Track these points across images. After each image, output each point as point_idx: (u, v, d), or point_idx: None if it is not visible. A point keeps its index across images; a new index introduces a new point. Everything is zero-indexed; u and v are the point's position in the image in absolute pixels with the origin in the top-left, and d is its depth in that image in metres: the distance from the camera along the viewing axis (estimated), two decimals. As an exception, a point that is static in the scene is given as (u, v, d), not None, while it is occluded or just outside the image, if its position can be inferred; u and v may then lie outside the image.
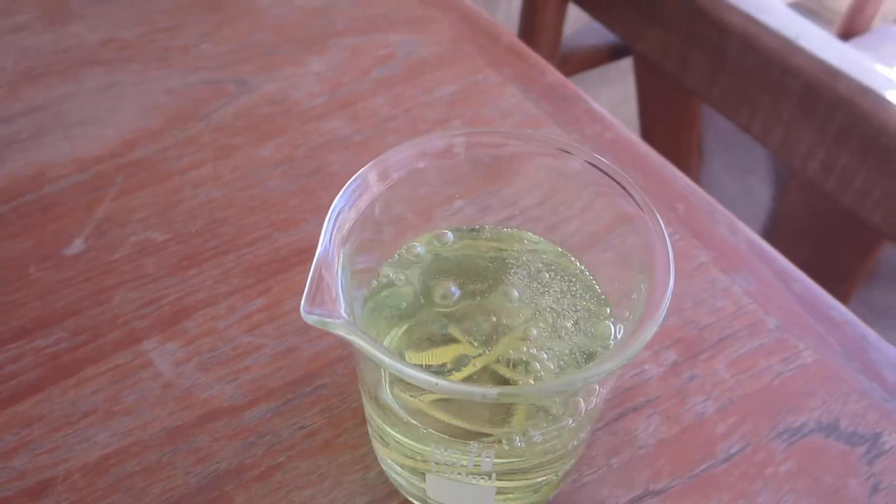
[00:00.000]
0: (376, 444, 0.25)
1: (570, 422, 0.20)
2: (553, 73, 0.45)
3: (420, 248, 0.24)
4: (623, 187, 0.21)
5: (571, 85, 0.45)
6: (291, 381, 0.30)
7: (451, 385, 0.17)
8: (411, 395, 0.20)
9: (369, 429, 0.26)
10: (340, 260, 0.20)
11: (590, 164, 0.22)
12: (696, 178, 0.36)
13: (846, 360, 0.31)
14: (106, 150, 0.39)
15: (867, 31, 1.10)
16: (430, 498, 0.24)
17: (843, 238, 0.74)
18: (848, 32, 1.08)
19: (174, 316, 0.32)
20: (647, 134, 0.88)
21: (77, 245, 0.35)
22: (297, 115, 0.42)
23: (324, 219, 0.36)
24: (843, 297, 0.33)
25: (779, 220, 0.84)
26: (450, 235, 0.24)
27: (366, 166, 0.22)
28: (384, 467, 0.26)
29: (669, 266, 0.20)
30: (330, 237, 0.19)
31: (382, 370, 0.20)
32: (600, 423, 0.29)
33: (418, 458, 0.22)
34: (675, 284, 0.33)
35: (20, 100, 0.43)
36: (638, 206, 0.21)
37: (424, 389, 0.19)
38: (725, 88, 0.70)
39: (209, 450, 0.28)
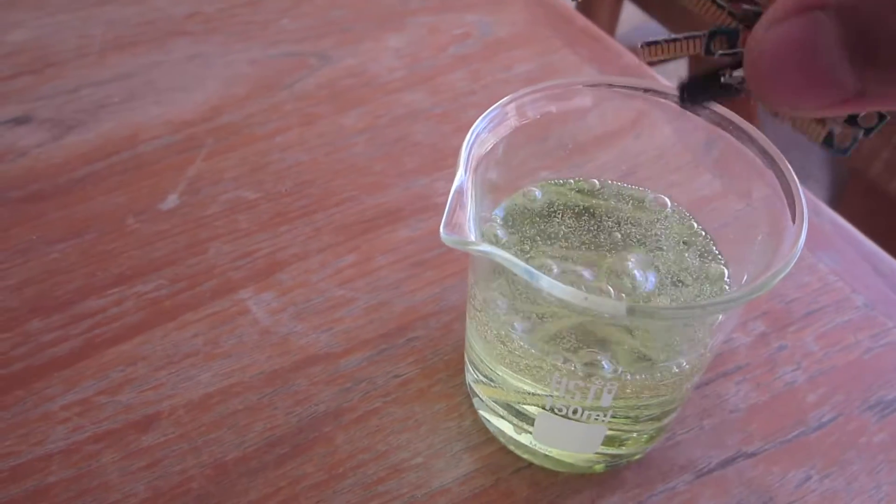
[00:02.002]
0: (480, 389, 0.26)
1: (692, 359, 0.21)
2: (629, 56, 0.46)
3: (538, 193, 0.24)
4: (754, 140, 0.22)
5: (649, 70, 0.46)
6: (384, 332, 0.30)
7: (593, 298, 0.17)
8: (539, 319, 0.21)
9: (469, 376, 0.27)
10: (473, 188, 0.20)
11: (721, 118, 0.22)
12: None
13: (936, 339, 0.31)
14: (195, 114, 0.41)
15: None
16: (533, 441, 0.24)
17: (901, 242, 0.73)
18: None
19: (268, 268, 0.33)
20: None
21: (171, 200, 0.36)
22: (377, 87, 0.43)
23: (410, 183, 0.37)
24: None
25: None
26: (547, 188, 0.25)
27: (504, 99, 0.22)
28: (483, 414, 0.26)
29: (804, 213, 0.20)
30: (467, 163, 0.20)
31: (513, 296, 0.21)
32: (690, 386, 0.29)
33: (535, 393, 0.22)
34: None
35: (110, 67, 0.44)
36: (771, 157, 0.21)
37: (552, 312, 0.20)
38: (786, 87, 0.69)
39: (307, 393, 0.28)
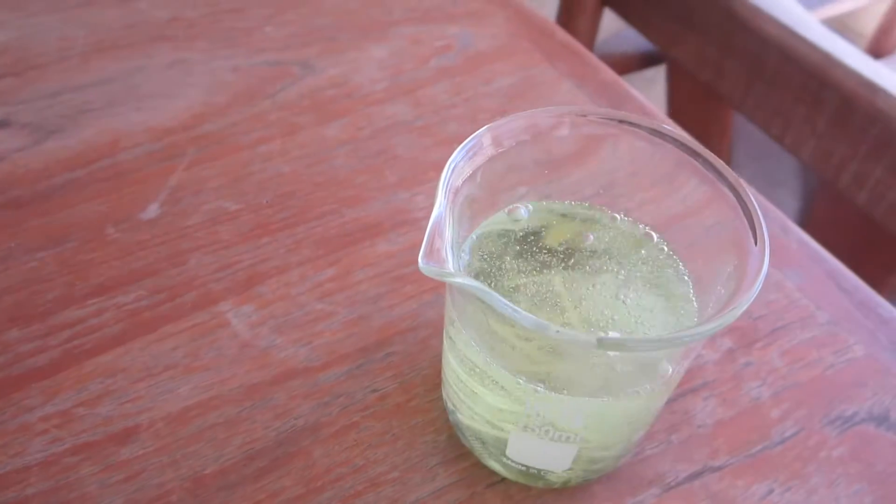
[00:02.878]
0: (454, 405, 0.26)
1: (657, 384, 0.21)
2: (607, 71, 0.47)
3: (517, 213, 0.25)
4: (714, 168, 0.23)
5: (624, 83, 0.47)
6: (363, 346, 0.31)
7: (564, 331, 0.18)
8: (512, 347, 0.22)
9: (446, 391, 0.27)
10: (451, 217, 0.21)
11: (685, 146, 0.23)
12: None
13: (895, 355, 0.32)
14: (177, 121, 0.41)
15: (893, 54, 1.11)
16: (506, 456, 0.25)
17: (870, 252, 0.75)
18: (874, 54, 1.09)
19: (248, 281, 0.33)
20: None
21: (152, 210, 0.36)
22: (359, 98, 0.43)
23: (390, 196, 0.37)
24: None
25: (806, 232, 0.85)
26: (527, 209, 0.25)
27: (481, 130, 0.23)
28: (459, 428, 0.27)
29: (765, 238, 0.21)
30: (445, 193, 0.20)
31: (487, 322, 0.21)
32: (660, 401, 0.30)
33: (508, 414, 0.23)
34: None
35: (92, 71, 0.44)
36: (729, 183, 0.22)
37: (528, 339, 0.20)
38: (760, 98, 0.71)
39: (286, 407, 0.29)
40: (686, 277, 0.24)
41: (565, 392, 0.21)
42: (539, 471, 0.25)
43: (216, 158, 0.39)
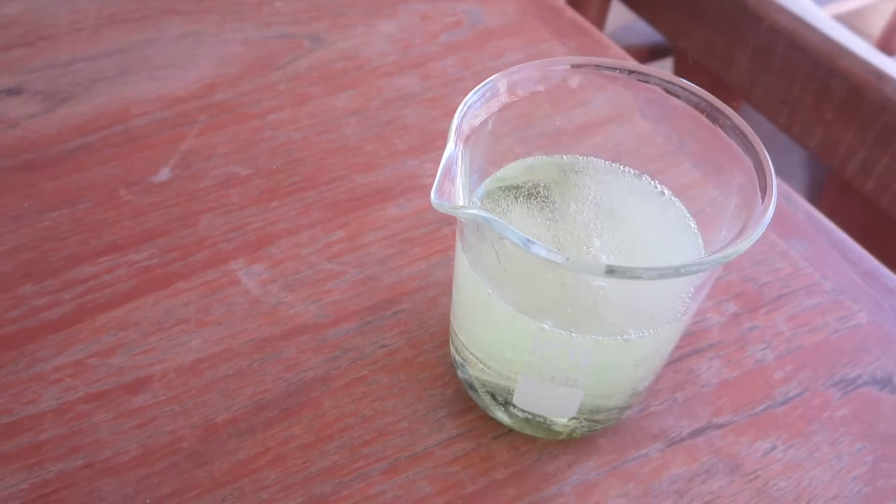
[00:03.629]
0: (463, 358, 0.27)
1: (666, 324, 0.22)
2: (616, 49, 0.47)
3: (527, 165, 0.25)
4: (732, 122, 0.23)
5: (635, 62, 0.47)
6: (371, 305, 0.31)
7: (576, 260, 0.18)
8: (521, 284, 0.22)
9: (454, 345, 0.28)
10: (463, 158, 0.21)
11: (702, 100, 0.23)
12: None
13: (899, 323, 0.32)
14: (188, 91, 0.41)
15: (902, 53, 1.10)
16: (514, 405, 0.25)
17: (877, 242, 0.75)
18: (883, 51, 1.09)
19: (259, 241, 0.33)
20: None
21: (164, 173, 0.37)
22: (369, 70, 0.43)
23: (400, 164, 0.38)
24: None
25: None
26: (537, 160, 0.26)
27: (495, 75, 0.23)
28: (466, 381, 0.27)
29: (773, 186, 0.21)
30: (456, 134, 0.21)
31: (497, 261, 0.21)
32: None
33: (513, 360, 0.23)
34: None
35: (104, 42, 0.44)
36: (735, 129, 0.23)
37: (534, 277, 0.21)
38: (768, 88, 0.71)
39: (296, 360, 0.29)
40: (692, 224, 0.25)
41: (573, 331, 0.21)
42: (545, 419, 0.25)
43: (227, 126, 0.39)
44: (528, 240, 0.19)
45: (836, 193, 0.79)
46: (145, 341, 0.30)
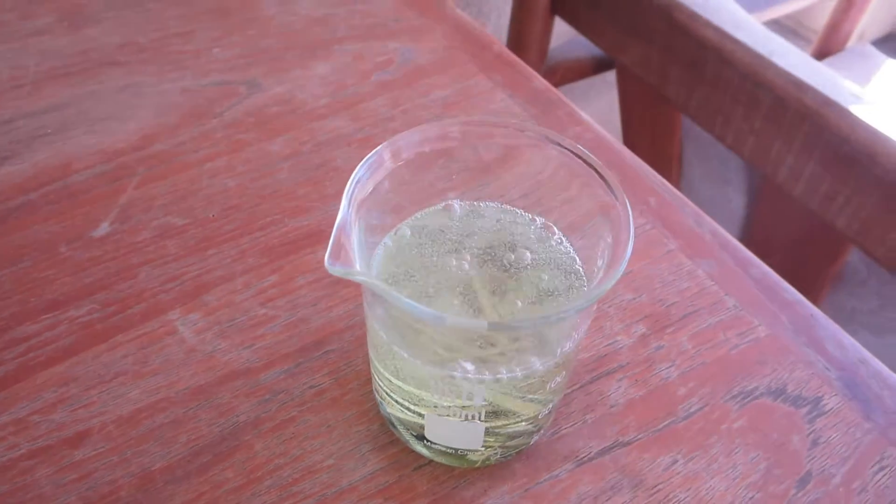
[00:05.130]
0: (381, 397, 0.29)
1: (549, 361, 0.24)
2: (539, 80, 0.50)
3: (426, 216, 0.27)
4: (599, 174, 0.25)
5: (555, 91, 0.49)
6: (302, 347, 0.33)
7: (451, 318, 0.20)
8: (415, 334, 0.24)
9: (374, 385, 0.30)
10: (357, 224, 0.23)
11: (573, 153, 0.26)
12: (675, 188, 0.40)
13: (795, 335, 0.35)
14: (127, 143, 0.43)
15: (843, 50, 1.15)
16: (427, 439, 0.27)
17: (813, 244, 0.79)
18: (824, 51, 1.13)
19: (195, 290, 0.35)
20: (630, 144, 0.93)
21: (103, 228, 0.38)
22: (303, 114, 0.45)
23: (330, 206, 0.40)
24: (814, 302, 0.36)
25: (753, 227, 0.89)
26: (456, 207, 0.28)
27: (381, 146, 0.26)
28: (387, 417, 0.29)
29: (630, 229, 0.23)
30: (349, 202, 0.23)
31: (392, 317, 0.24)
32: (576, 385, 0.32)
33: (419, 398, 0.25)
34: (645, 267, 0.37)
35: (45, 97, 0.46)
36: (606, 183, 0.25)
37: (425, 328, 0.23)
38: (702, 100, 0.74)
39: (229, 405, 0.31)
40: (577, 259, 0.27)
41: (465, 374, 0.23)
42: (458, 450, 0.27)
43: (165, 177, 0.41)
44: (409, 301, 0.21)
45: (772, 198, 0.83)
46: (86, 395, 0.31)
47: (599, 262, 0.25)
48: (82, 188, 0.40)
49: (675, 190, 0.42)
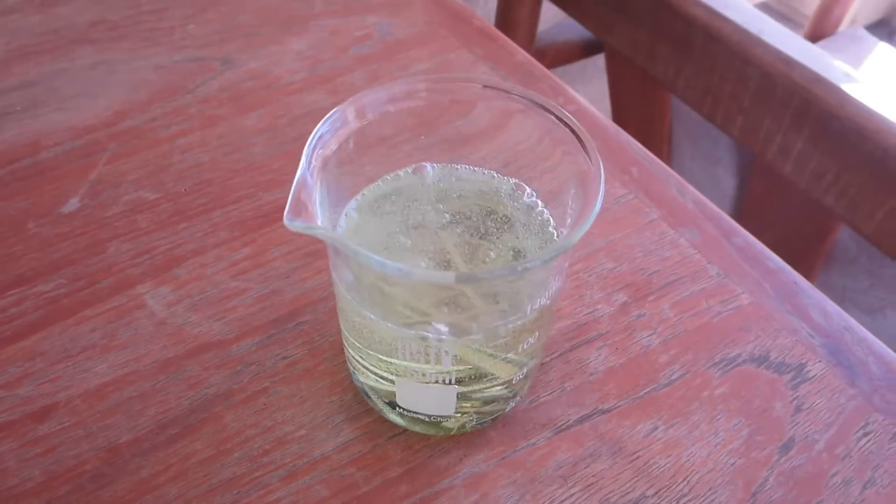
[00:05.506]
0: (352, 366, 0.28)
1: (519, 319, 0.23)
2: (521, 54, 0.49)
3: (393, 178, 0.27)
4: (548, 109, 0.24)
5: (538, 64, 0.49)
6: (275, 318, 0.32)
7: (415, 271, 0.20)
8: (382, 296, 0.23)
9: (346, 353, 0.29)
10: (321, 183, 0.22)
11: (542, 107, 0.25)
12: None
13: (779, 302, 0.34)
14: (98, 120, 0.42)
15: (834, 34, 1.14)
16: (400, 406, 0.27)
17: (803, 222, 0.78)
18: (815, 34, 1.12)
19: (166, 264, 0.34)
20: (620, 126, 0.92)
21: (73, 203, 0.37)
22: (278, 88, 0.44)
23: (304, 179, 0.39)
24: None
25: (743, 206, 0.88)
26: (428, 170, 0.27)
27: (343, 103, 0.25)
28: (360, 387, 0.29)
29: (600, 181, 0.23)
30: (309, 158, 0.22)
31: (358, 278, 0.23)
32: (555, 353, 0.32)
33: (388, 363, 0.25)
34: (626, 237, 0.36)
35: (14, 75, 0.45)
36: (564, 122, 0.24)
37: (393, 283, 0.22)
38: (690, 79, 0.73)
39: (199, 377, 0.30)
40: (552, 221, 0.26)
41: (432, 333, 0.23)
42: (431, 417, 0.27)
43: (136, 153, 0.40)
44: (373, 256, 0.20)
45: (762, 177, 0.82)
46: (52, 370, 0.30)
47: (569, 221, 0.24)
48: (51, 165, 0.39)
49: (657, 160, 0.41)
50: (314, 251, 0.35)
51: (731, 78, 0.69)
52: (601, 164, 0.24)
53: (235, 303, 0.33)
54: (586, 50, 1.03)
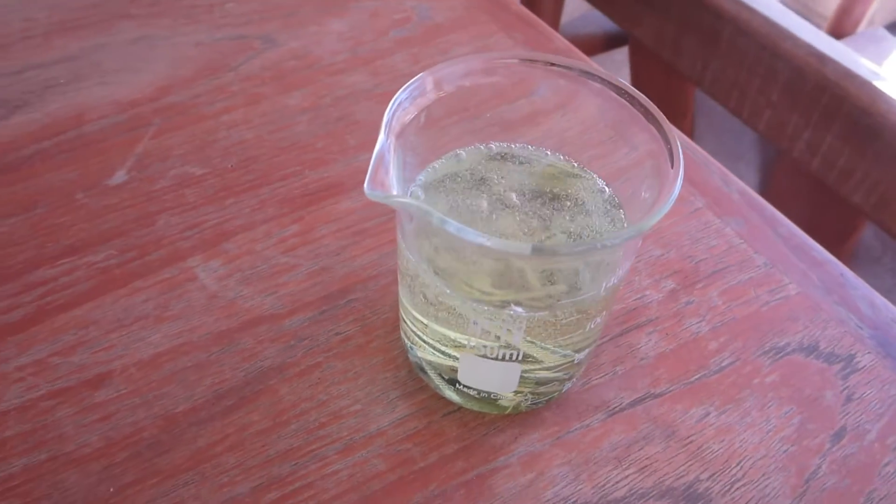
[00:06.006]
0: (411, 341, 0.28)
1: (591, 294, 0.23)
2: (560, 40, 0.49)
3: (461, 155, 0.27)
4: (645, 109, 0.24)
5: (577, 50, 0.48)
6: (326, 295, 0.32)
7: (493, 240, 0.20)
8: (455, 263, 0.23)
9: (403, 329, 0.29)
10: (396, 152, 0.22)
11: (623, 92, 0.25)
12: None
13: (826, 293, 0.34)
14: (142, 94, 0.42)
15: (854, 34, 1.14)
16: (459, 383, 0.27)
17: (826, 220, 0.78)
18: (835, 34, 1.12)
19: (215, 238, 0.34)
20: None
21: (120, 176, 0.37)
22: (320, 69, 0.44)
23: (351, 159, 0.39)
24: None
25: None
26: (494, 148, 0.27)
27: (422, 73, 0.25)
28: (416, 363, 0.29)
29: (680, 161, 0.23)
30: (388, 126, 0.22)
31: (432, 244, 0.23)
32: (606, 337, 0.32)
33: (455, 339, 0.25)
34: (673, 224, 0.36)
35: (55, 49, 0.45)
36: (651, 116, 0.24)
37: (467, 257, 0.22)
38: (717, 73, 0.73)
39: (253, 350, 0.30)
40: (616, 203, 0.26)
41: (504, 309, 0.23)
42: (490, 394, 0.27)
43: (181, 128, 0.40)
44: (457, 225, 0.20)
45: (786, 173, 0.82)
46: (105, 338, 0.30)
47: (645, 195, 0.24)
48: (97, 137, 0.39)
49: (700, 149, 0.41)
50: (363, 230, 0.35)
51: (760, 72, 0.68)
52: (678, 141, 0.24)
53: (286, 278, 0.33)
54: (608, 43, 1.03)
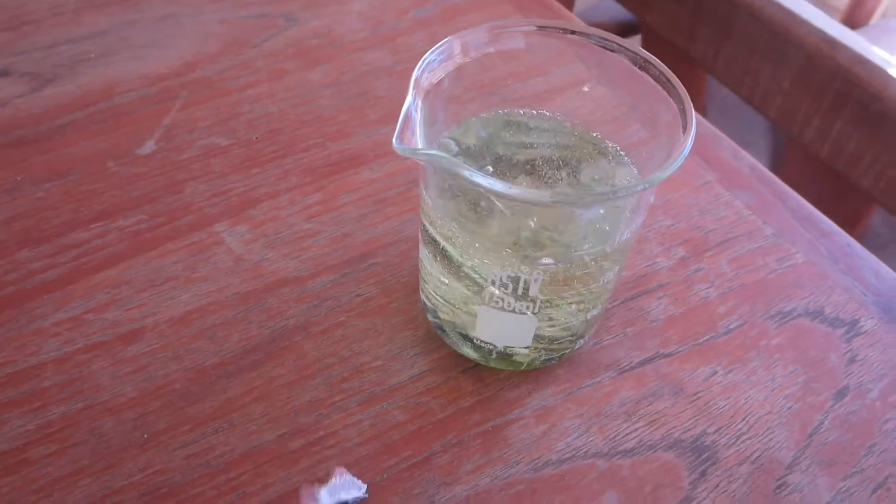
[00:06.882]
0: (430, 299, 0.29)
1: (605, 246, 0.24)
2: (577, 23, 0.49)
3: (474, 123, 0.28)
4: (661, 76, 0.25)
5: (595, 29, 0.49)
6: (348, 259, 0.34)
7: (517, 188, 0.21)
8: (477, 217, 0.24)
9: (423, 290, 0.30)
10: (421, 111, 0.24)
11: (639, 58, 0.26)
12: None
13: (832, 262, 0.35)
14: (169, 69, 0.43)
15: (866, 25, 1.13)
16: (476, 338, 0.28)
17: (835, 207, 0.78)
18: (847, 26, 1.12)
19: (241, 205, 0.36)
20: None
21: (149, 146, 0.39)
22: (341, 46, 0.46)
23: (373, 132, 0.40)
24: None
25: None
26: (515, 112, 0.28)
27: (449, 37, 0.26)
28: (434, 322, 0.30)
29: (692, 117, 0.24)
30: (414, 87, 0.23)
31: (455, 199, 0.24)
32: (617, 301, 0.33)
33: (474, 293, 0.26)
34: (683, 196, 0.37)
35: (85, 24, 0.46)
36: (663, 81, 0.25)
37: (489, 209, 0.23)
38: (730, 59, 0.74)
39: (278, 309, 0.32)
40: (631, 165, 0.27)
41: (522, 260, 0.24)
42: (505, 349, 0.28)
43: (207, 101, 0.41)
44: (478, 172, 0.21)
45: (796, 160, 0.82)
46: (137, 297, 0.32)
47: (662, 143, 0.25)
48: (127, 109, 0.41)
49: (710, 125, 0.42)
50: (383, 199, 0.36)
51: (773, 58, 0.69)
52: (692, 104, 0.25)
53: (309, 243, 0.34)
54: (620, 32, 1.03)
